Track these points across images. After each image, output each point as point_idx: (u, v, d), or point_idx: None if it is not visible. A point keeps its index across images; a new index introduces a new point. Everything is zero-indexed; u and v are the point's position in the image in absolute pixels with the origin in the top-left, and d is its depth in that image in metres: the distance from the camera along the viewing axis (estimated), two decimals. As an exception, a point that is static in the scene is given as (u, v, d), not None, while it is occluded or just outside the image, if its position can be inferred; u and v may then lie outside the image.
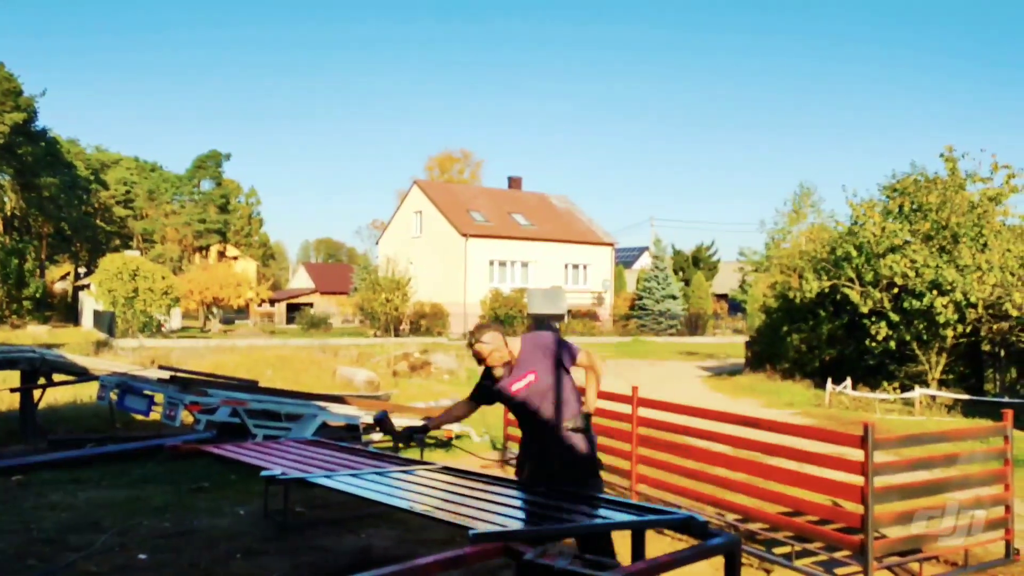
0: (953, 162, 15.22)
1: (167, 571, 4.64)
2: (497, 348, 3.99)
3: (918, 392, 13.52)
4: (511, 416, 8.47)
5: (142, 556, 4.87)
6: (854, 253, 15.42)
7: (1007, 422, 5.53)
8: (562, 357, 4.06)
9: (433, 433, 9.50)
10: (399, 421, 9.21)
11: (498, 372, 4.02)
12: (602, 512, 3.42)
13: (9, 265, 38.25)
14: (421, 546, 5.14)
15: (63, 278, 63.68)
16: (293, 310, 58.83)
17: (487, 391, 4.17)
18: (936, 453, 5.95)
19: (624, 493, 6.70)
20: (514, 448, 8.53)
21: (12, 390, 9.82)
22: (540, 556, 2.73)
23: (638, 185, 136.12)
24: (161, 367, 11.62)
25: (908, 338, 14.47)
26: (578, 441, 4.04)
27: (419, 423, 4.41)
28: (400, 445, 4.21)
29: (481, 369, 4.15)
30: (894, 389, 14.37)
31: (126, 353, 20.38)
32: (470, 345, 4.04)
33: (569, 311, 41.45)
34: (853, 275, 15.34)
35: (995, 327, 13.76)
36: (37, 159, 51.95)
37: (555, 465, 4.01)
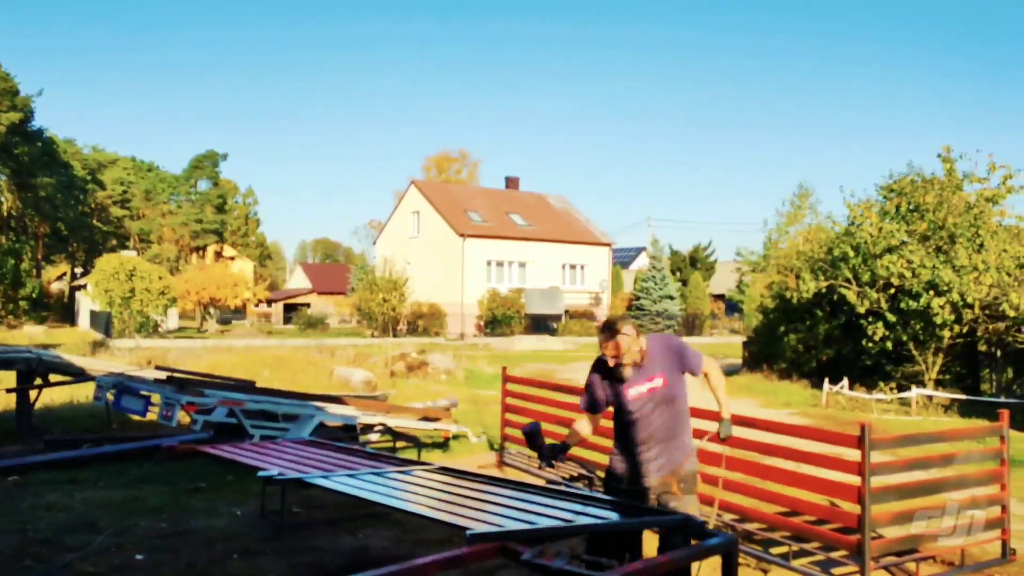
0: (950, 162, 15.26)
1: (164, 571, 4.64)
2: (635, 343, 3.75)
3: (915, 392, 13.54)
4: (508, 416, 8.49)
5: (139, 556, 4.86)
6: (851, 253, 15.45)
7: (1003, 422, 5.54)
8: (689, 363, 3.90)
9: (431, 433, 9.55)
10: (397, 422, 9.23)
11: (627, 372, 3.78)
12: (601, 512, 3.42)
13: (5, 265, 38.13)
14: (419, 546, 5.13)
15: (59, 278, 63.59)
16: (290, 310, 58.76)
17: (603, 394, 3.90)
18: (932, 453, 5.95)
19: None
20: (512, 448, 8.51)
21: (8, 390, 9.80)
22: (538, 556, 2.73)
23: (636, 185, 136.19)
24: (158, 367, 11.62)
25: (905, 338, 14.50)
26: (694, 455, 3.92)
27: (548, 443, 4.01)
28: (542, 465, 4.04)
29: (593, 367, 3.92)
30: (891, 389, 14.39)
31: (123, 353, 20.33)
32: (609, 337, 3.73)
33: (566, 311, 41.47)
34: (850, 275, 15.36)
35: (991, 327, 13.79)
36: (33, 159, 51.88)
37: (674, 477, 3.81)
